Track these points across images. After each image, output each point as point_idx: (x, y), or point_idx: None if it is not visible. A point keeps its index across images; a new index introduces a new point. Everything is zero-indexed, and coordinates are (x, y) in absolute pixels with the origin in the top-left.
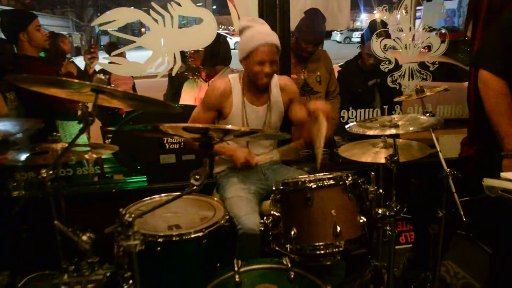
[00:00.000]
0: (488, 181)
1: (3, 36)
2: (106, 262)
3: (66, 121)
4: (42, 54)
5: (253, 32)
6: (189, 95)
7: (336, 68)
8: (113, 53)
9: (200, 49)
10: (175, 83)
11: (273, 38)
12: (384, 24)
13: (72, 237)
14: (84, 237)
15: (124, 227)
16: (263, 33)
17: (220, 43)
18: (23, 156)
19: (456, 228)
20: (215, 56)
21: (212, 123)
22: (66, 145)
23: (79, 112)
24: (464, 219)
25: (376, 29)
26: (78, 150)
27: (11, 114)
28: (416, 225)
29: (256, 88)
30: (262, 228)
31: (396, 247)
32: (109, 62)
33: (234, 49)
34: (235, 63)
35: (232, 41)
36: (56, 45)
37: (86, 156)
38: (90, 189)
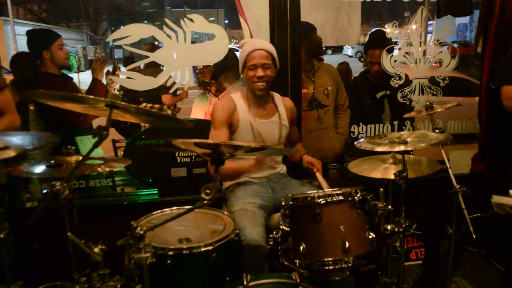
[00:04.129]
0: (497, 199)
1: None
2: (117, 274)
3: (85, 136)
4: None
5: (246, 45)
6: (200, 109)
7: None
8: (128, 67)
9: (210, 64)
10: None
11: (263, 44)
12: (389, 38)
13: (84, 249)
14: (96, 249)
15: (136, 240)
16: (254, 42)
17: (229, 57)
18: (38, 169)
19: (466, 245)
20: (225, 70)
21: (228, 139)
22: (80, 158)
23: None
24: (474, 236)
25: (378, 37)
26: (92, 163)
27: (31, 125)
28: (426, 242)
29: (256, 97)
30: (271, 243)
31: (407, 263)
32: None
33: None
34: None
35: None
36: None
37: (99, 169)
38: (101, 201)
